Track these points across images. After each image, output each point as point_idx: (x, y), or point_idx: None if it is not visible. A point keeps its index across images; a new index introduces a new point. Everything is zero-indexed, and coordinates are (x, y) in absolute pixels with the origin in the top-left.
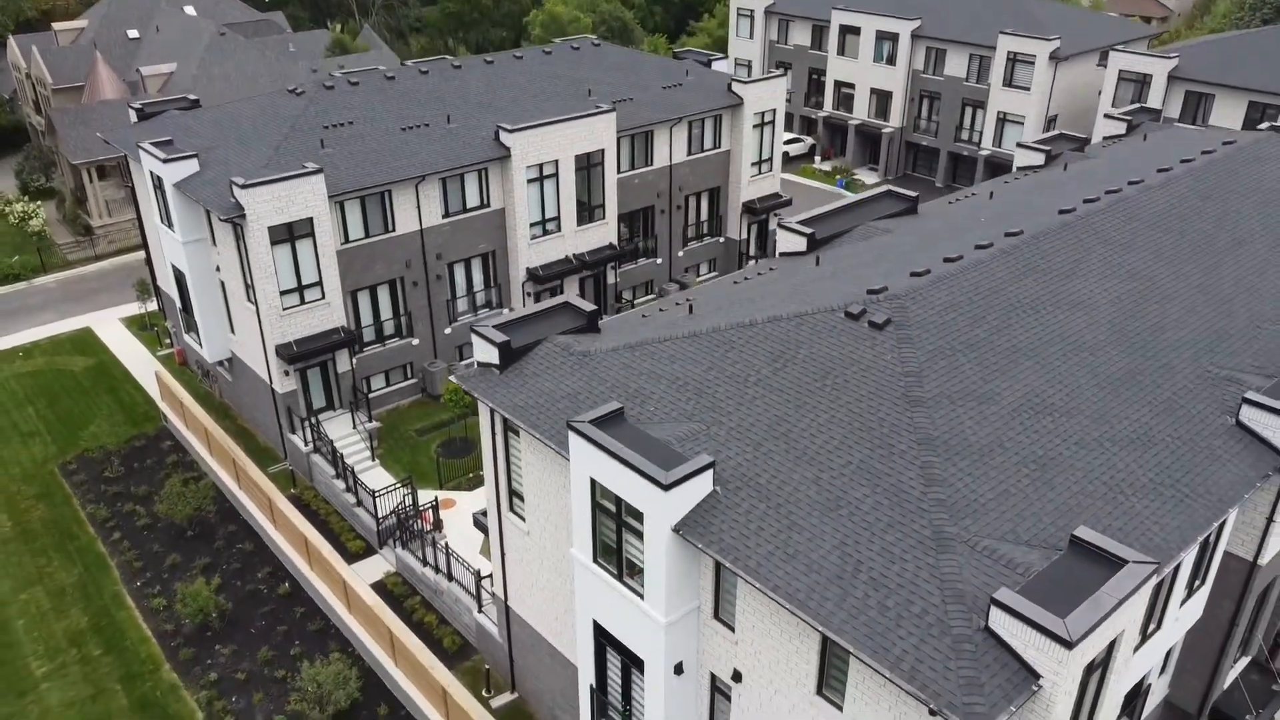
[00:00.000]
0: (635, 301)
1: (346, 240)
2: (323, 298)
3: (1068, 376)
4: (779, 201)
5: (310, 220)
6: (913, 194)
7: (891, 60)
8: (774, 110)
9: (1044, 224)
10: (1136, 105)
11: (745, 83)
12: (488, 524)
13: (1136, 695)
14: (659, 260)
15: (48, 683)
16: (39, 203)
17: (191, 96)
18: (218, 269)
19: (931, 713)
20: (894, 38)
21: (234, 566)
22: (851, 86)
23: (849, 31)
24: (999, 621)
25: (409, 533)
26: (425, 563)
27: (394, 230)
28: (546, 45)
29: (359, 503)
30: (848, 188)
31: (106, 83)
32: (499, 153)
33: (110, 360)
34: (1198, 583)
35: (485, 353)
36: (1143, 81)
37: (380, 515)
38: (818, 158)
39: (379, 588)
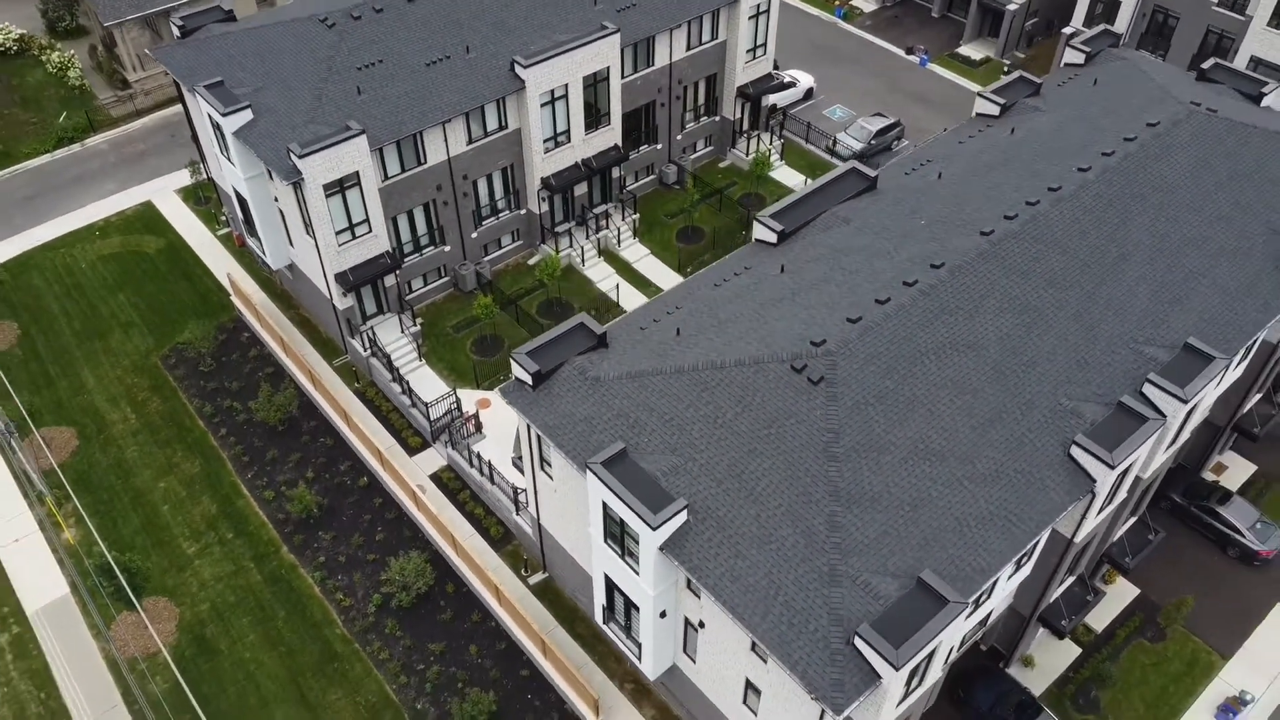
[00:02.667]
0: (631, 190)
1: (386, 178)
2: (370, 230)
3: (949, 421)
4: (771, 84)
5: (357, 173)
6: (872, 173)
7: None
8: (769, 9)
9: (964, 251)
10: (1102, 28)
11: None
12: (524, 467)
13: (982, 624)
14: (659, 146)
15: (199, 560)
16: (71, 51)
17: (225, 6)
18: (276, 199)
19: (812, 698)
20: None
21: (320, 460)
22: None
23: None
24: (859, 643)
25: (457, 434)
26: (471, 464)
27: (425, 163)
28: None
29: (414, 404)
30: (845, 17)
31: None
32: (515, 85)
33: (178, 241)
34: (1025, 561)
35: (522, 374)
36: None
37: (432, 419)
38: None
39: (436, 479)
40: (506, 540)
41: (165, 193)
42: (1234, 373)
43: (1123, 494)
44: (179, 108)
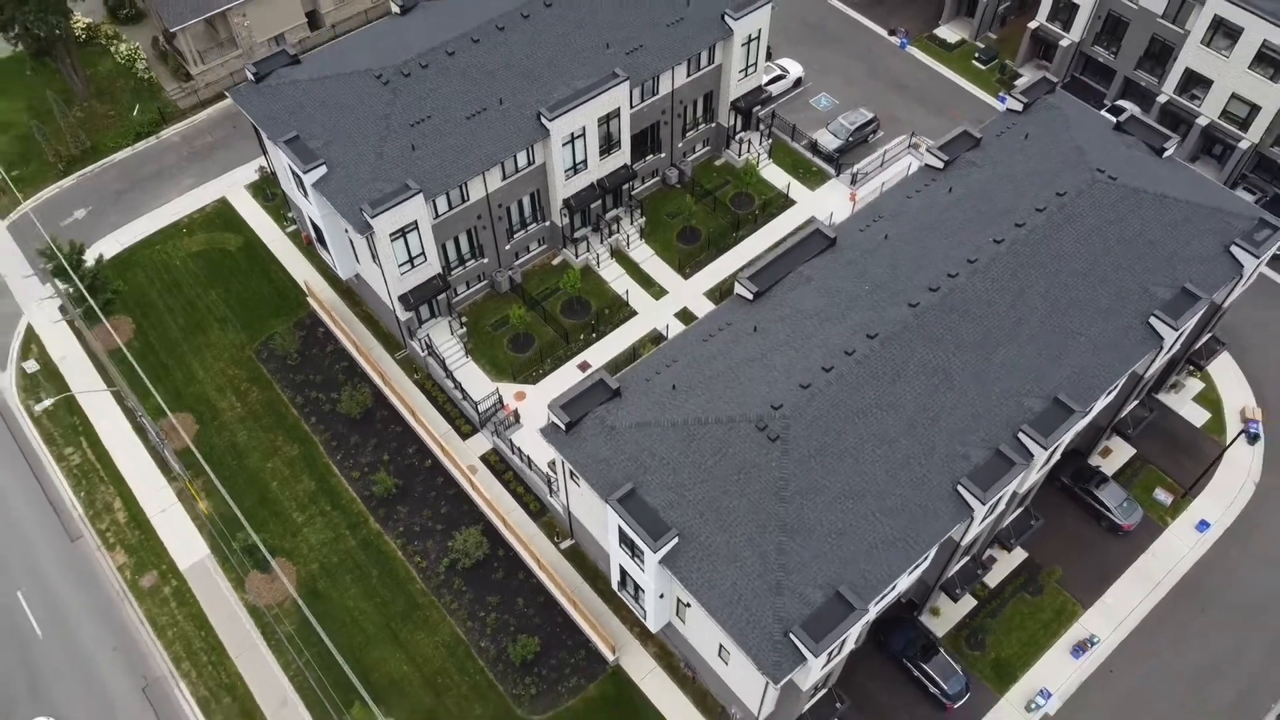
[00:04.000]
0: (636, 195)
1: (437, 216)
2: (425, 259)
3: (870, 467)
4: (760, 97)
5: (415, 221)
6: (831, 235)
7: None
8: (760, 30)
9: (894, 322)
10: (1041, 77)
11: (735, 18)
12: (558, 471)
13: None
14: (662, 155)
15: (306, 528)
16: (137, 44)
17: (291, 52)
18: (346, 231)
19: (760, 672)
20: None
21: (392, 444)
22: None
23: None
24: (793, 637)
25: (500, 424)
26: (513, 451)
27: (468, 200)
28: None
29: (464, 397)
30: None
31: None
32: (542, 133)
33: (254, 239)
34: (922, 564)
35: (557, 421)
36: None
37: (480, 411)
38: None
39: (484, 460)
40: (542, 513)
41: (236, 188)
42: (1105, 399)
43: (1001, 506)
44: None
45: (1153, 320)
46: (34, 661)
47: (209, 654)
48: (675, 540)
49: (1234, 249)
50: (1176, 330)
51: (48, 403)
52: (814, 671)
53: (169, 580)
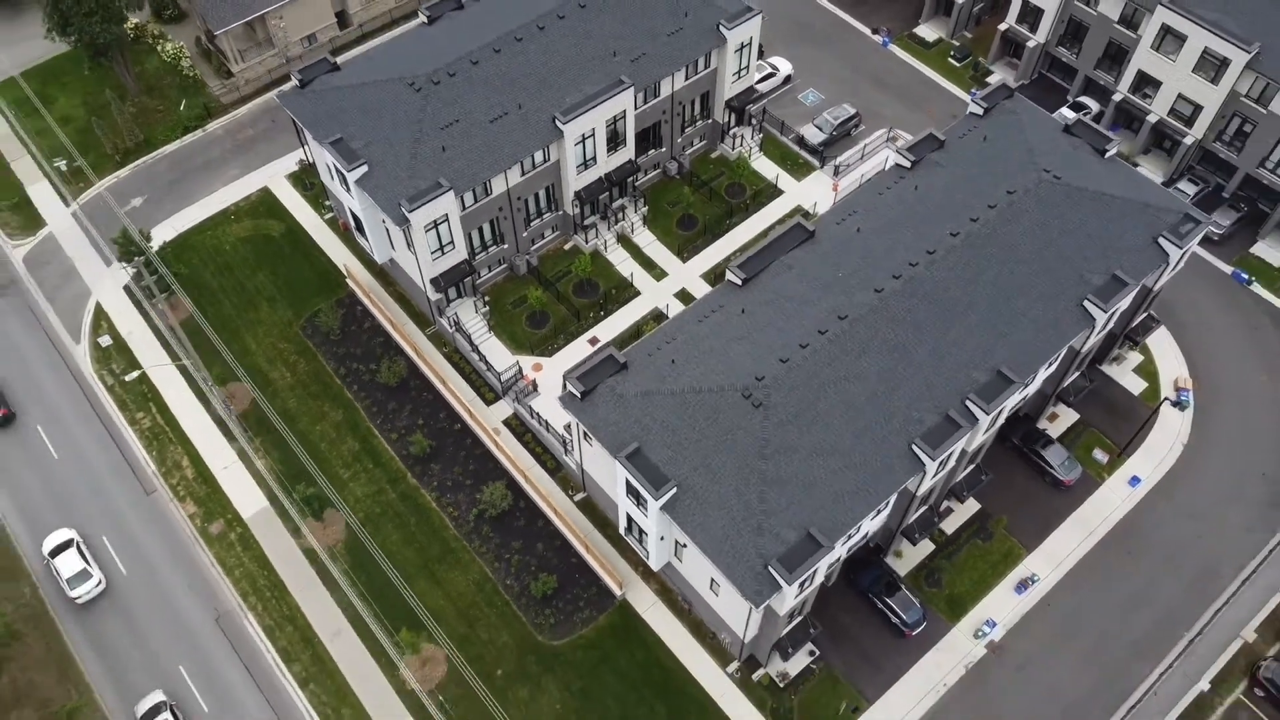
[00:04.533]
0: (640, 186)
1: (464, 209)
2: (454, 247)
3: (838, 430)
4: (752, 96)
5: (446, 214)
6: (811, 229)
7: None
8: (751, 37)
9: (862, 305)
10: (1000, 83)
11: (729, 28)
12: (574, 433)
13: (865, 538)
14: (663, 149)
15: (352, 482)
16: (181, 43)
17: (331, 59)
18: (384, 222)
19: (743, 598)
20: None
21: (425, 410)
22: None
23: None
24: (771, 570)
25: (520, 392)
26: (531, 416)
27: (492, 194)
28: None
29: (488, 368)
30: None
31: None
32: (556, 135)
33: (295, 225)
34: (883, 510)
35: (574, 390)
36: None
37: (502, 380)
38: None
39: (507, 423)
40: (558, 469)
41: (277, 178)
42: (1046, 371)
43: (951, 463)
44: (275, 94)
45: (1086, 303)
46: (122, 598)
47: (271, 590)
48: (674, 490)
49: (1161, 240)
50: (1106, 312)
51: (133, 374)
52: (788, 599)
53: (234, 527)
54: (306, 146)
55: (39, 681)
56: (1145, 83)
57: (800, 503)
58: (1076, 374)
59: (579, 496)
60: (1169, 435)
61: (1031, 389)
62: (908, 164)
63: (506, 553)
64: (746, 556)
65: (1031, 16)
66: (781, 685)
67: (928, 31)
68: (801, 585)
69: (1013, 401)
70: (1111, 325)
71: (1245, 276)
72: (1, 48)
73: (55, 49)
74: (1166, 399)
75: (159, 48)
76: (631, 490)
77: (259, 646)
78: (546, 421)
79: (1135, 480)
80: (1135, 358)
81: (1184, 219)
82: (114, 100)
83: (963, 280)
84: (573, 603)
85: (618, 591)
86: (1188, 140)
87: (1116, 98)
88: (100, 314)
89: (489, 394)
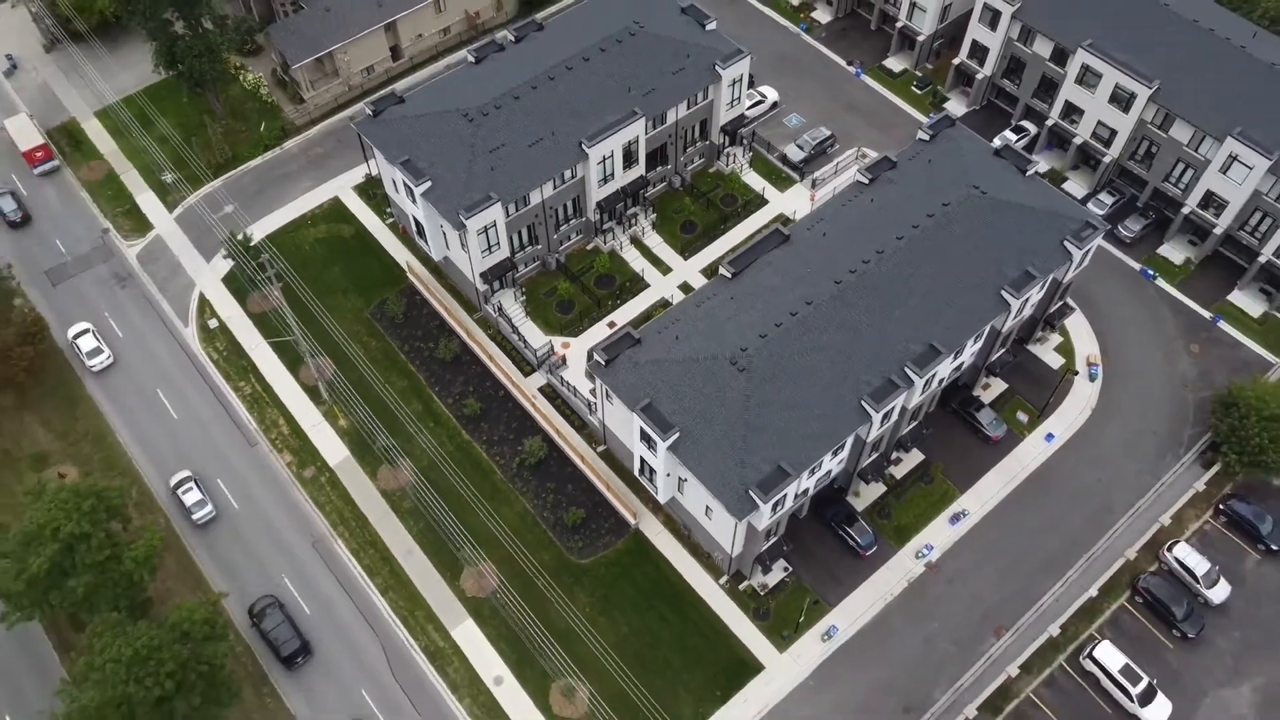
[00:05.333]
0: (650, 197)
1: (508, 216)
2: (499, 247)
3: (805, 389)
4: (743, 121)
5: (494, 221)
6: (787, 234)
7: None
8: (742, 74)
9: (825, 293)
10: (944, 114)
11: (723, 68)
12: (595, 388)
13: (827, 478)
14: (669, 165)
15: (416, 437)
16: (260, 74)
17: (397, 93)
18: (442, 226)
19: (730, 515)
20: None
21: (475, 380)
22: None
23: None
24: (751, 494)
25: (552, 365)
26: (562, 384)
27: (529, 204)
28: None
29: (525, 346)
30: (808, 31)
31: None
32: (582, 157)
33: (362, 229)
34: (840, 451)
35: (599, 359)
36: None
37: (537, 356)
38: None
39: (542, 390)
40: (583, 427)
41: (345, 190)
42: (974, 347)
43: (894, 417)
44: (341, 116)
45: (1003, 293)
46: (237, 528)
47: (355, 521)
48: (677, 435)
49: (1066, 243)
50: (1019, 300)
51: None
52: (765, 517)
53: (323, 473)
54: (370, 162)
55: (175, 589)
56: (1072, 110)
57: (774, 444)
58: (1002, 351)
59: (601, 448)
60: (1081, 401)
61: (961, 360)
62: (866, 181)
63: (543, 492)
64: (732, 484)
65: (980, 53)
66: (762, 593)
67: (895, 64)
68: (774, 507)
69: (944, 370)
70: (1031, 311)
71: (1151, 273)
72: (108, 76)
73: (152, 77)
74: (1074, 371)
75: (241, 78)
76: (645, 436)
77: (347, 564)
78: (574, 388)
79: (1050, 437)
80: (1056, 339)
81: (1085, 225)
82: (209, 122)
83: (904, 274)
84: (596, 531)
85: (632, 521)
86: (1107, 159)
87: (1049, 122)
88: (204, 302)
89: (526, 367)
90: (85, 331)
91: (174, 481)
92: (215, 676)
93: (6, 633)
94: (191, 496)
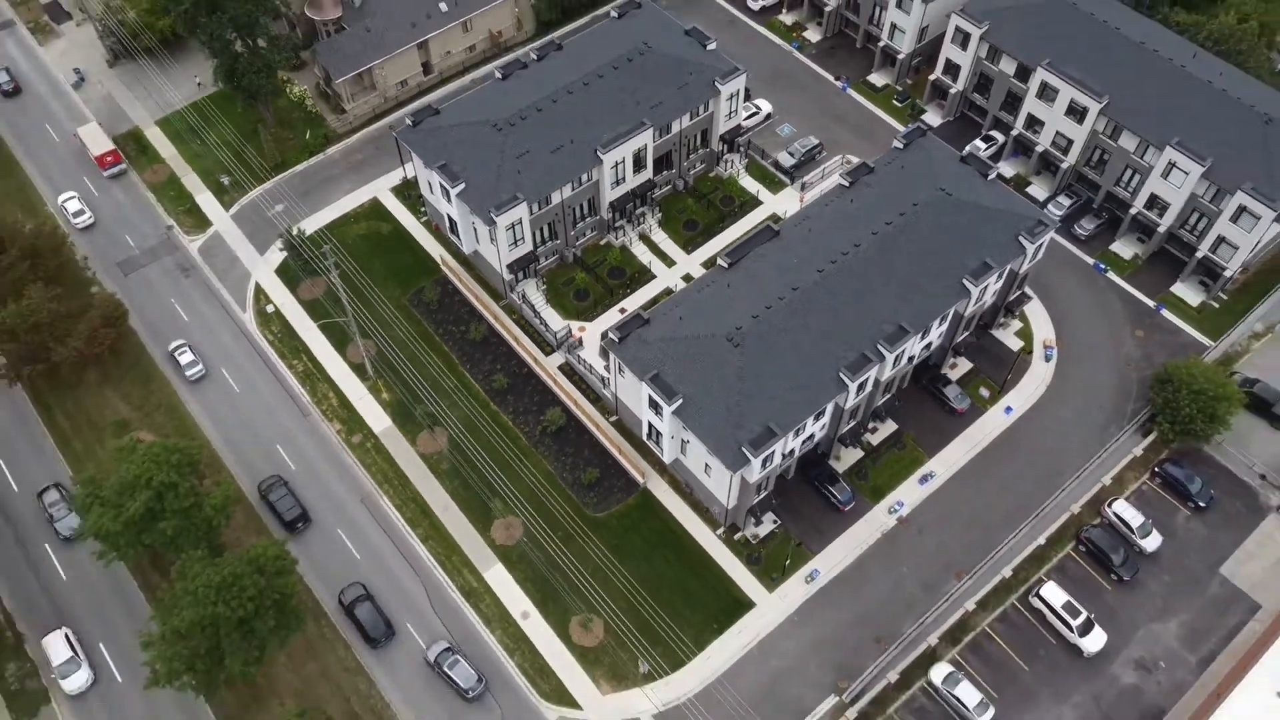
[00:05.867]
0: (657, 198)
1: (532, 214)
2: (524, 241)
3: (792, 363)
4: (740, 131)
5: (520, 218)
6: (777, 230)
7: None
8: (738, 89)
9: (809, 280)
10: (916, 126)
11: (722, 84)
12: (609, 363)
13: (810, 441)
14: (673, 170)
15: (451, 408)
16: (304, 87)
17: (434, 106)
18: (473, 223)
19: (726, 468)
20: None
21: (502, 359)
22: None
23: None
24: (744, 450)
25: (570, 345)
26: (579, 362)
27: (551, 204)
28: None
29: (546, 329)
30: (800, 49)
31: (328, 4)
32: (596, 162)
33: (399, 227)
34: (820, 417)
35: (613, 337)
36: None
37: (557, 338)
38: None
39: (561, 368)
40: (597, 400)
41: (384, 191)
42: (939, 328)
43: (869, 388)
44: (379, 125)
45: (964, 281)
46: (297, 485)
47: (398, 481)
48: (680, 400)
49: (1020, 238)
50: (977, 287)
51: (318, 323)
52: (755, 470)
53: (369, 439)
54: (407, 166)
55: (242, 538)
56: (1034, 122)
57: (764, 408)
58: (966, 334)
59: (613, 418)
60: (1037, 379)
61: (930, 340)
62: (847, 184)
63: (562, 455)
64: (728, 442)
65: (953, 70)
66: (753, 542)
67: (877, 79)
68: (764, 462)
69: (913, 348)
70: (992, 299)
71: (1103, 266)
72: (168, 88)
73: (208, 89)
74: (1029, 352)
75: (288, 90)
76: (653, 403)
77: (391, 517)
78: (589, 365)
79: (1009, 409)
80: (1016, 324)
81: (1037, 223)
82: (261, 130)
83: (878, 265)
84: (609, 488)
85: (641, 480)
86: (1065, 165)
87: (1014, 132)
88: (259, 290)
89: (547, 347)
90: (182, 346)
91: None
92: (285, 605)
93: (103, 571)
94: None
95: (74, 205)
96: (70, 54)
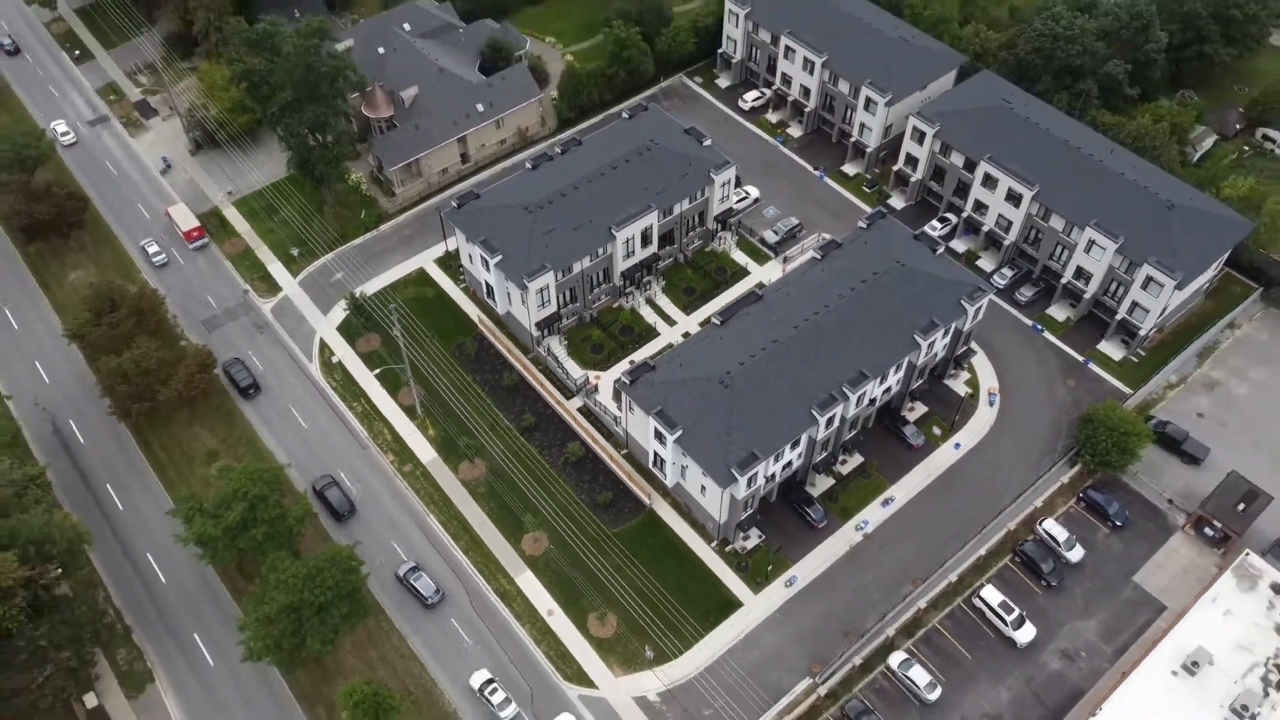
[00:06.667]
0: (661, 269)
1: (557, 281)
2: (550, 304)
3: (772, 400)
4: (731, 213)
5: (547, 285)
6: (760, 294)
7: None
8: (730, 179)
9: (787, 335)
10: (879, 210)
11: (716, 174)
12: (621, 402)
13: (788, 468)
14: (674, 245)
15: (487, 443)
16: (360, 174)
17: (475, 191)
18: (508, 288)
19: (719, 486)
20: None
21: (530, 403)
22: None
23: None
24: (733, 471)
25: (588, 391)
26: (594, 405)
27: (572, 272)
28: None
29: (567, 377)
30: (784, 144)
31: (382, 102)
32: (611, 238)
33: (441, 291)
34: (796, 445)
35: (624, 381)
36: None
37: (575, 384)
38: (770, 112)
39: (579, 410)
40: (610, 435)
41: (428, 262)
42: (896, 375)
43: (836, 423)
44: (424, 206)
45: (915, 336)
46: (359, 509)
47: (442, 503)
48: (680, 431)
49: (962, 301)
50: (926, 341)
51: (377, 370)
52: (742, 488)
53: (418, 468)
54: (449, 241)
55: (314, 547)
56: (980, 206)
57: (748, 438)
58: (921, 382)
59: (624, 451)
60: (983, 421)
61: (889, 385)
62: (819, 257)
63: (581, 481)
64: (719, 465)
65: (912, 162)
66: (741, 553)
67: (850, 169)
68: (749, 481)
69: (873, 390)
70: (942, 352)
71: (1040, 327)
72: (243, 173)
73: (277, 174)
74: (975, 398)
75: (347, 176)
76: (658, 434)
77: (438, 532)
78: (604, 407)
79: (958, 445)
80: (965, 374)
81: (975, 289)
82: (326, 210)
83: (844, 323)
84: (621, 508)
85: (647, 502)
86: (1007, 242)
87: (965, 214)
88: (323, 344)
89: (568, 392)
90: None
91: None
92: (355, 597)
93: (202, 570)
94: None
95: (157, 260)
96: (158, 144)
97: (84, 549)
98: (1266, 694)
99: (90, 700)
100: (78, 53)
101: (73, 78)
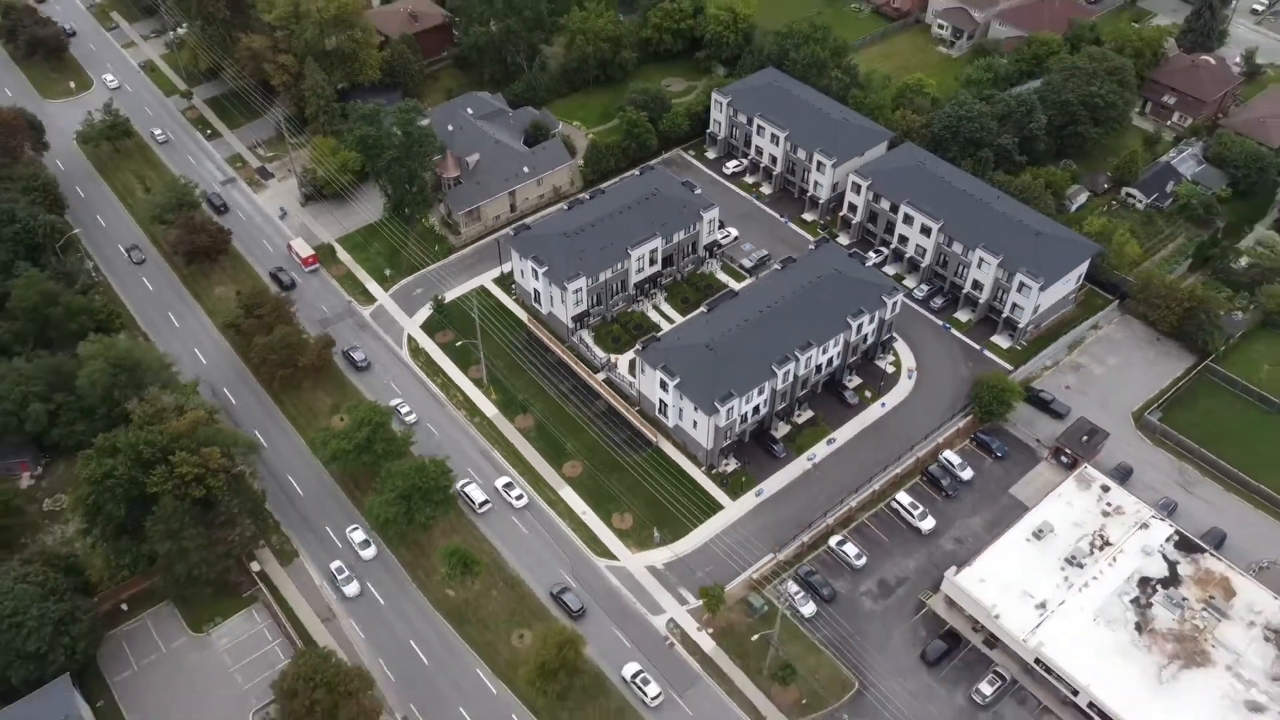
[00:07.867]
0: (664, 284)
1: (587, 287)
2: (582, 304)
3: (744, 361)
4: (717, 245)
5: (581, 288)
6: (736, 292)
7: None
8: (715, 218)
9: (753, 318)
10: (825, 235)
11: (705, 213)
12: (634, 370)
13: (756, 412)
14: (673, 267)
15: (536, 402)
16: (434, 219)
17: (528, 224)
18: (551, 292)
19: (707, 418)
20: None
21: (566, 375)
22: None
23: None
24: (716, 405)
25: (610, 366)
26: (616, 376)
27: (599, 280)
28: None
29: (595, 357)
30: (758, 199)
31: (452, 165)
32: (627, 256)
33: (496, 302)
34: (765, 395)
35: (640, 349)
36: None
37: (601, 362)
38: (749, 177)
39: (604, 381)
40: (627, 397)
41: (487, 281)
42: (835, 349)
43: (789, 379)
44: (482, 242)
45: (847, 319)
46: (439, 444)
47: (503, 443)
48: (679, 379)
49: (882, 296)
50: (855, 323)
51: (456, 343)
52: (722, 419)
53: (484, 420)
54: (504, 265)
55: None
56: (904, 239)
57: (726, 383)
58: (856, 358)
59: (636, 407)
60: (903, 389)
61: (830, 356)
62: (780, 268)
63: (607, 429)
64: (706, 402)
65: (853, 208)
66: (724, 473)
67: (808, 216)
68: (727, 414)
69: (818, 357)
70: (871, 337)
71: (948, 326)
72: (344, 218)
73: (369, 219)
74: (894, 372)
75: (425, 218)
76: (662, 383)
77: (501, 462)
78: (622, 376)
79: (884, 404)
80: (891, 357)
81: (891, 289)
82: (411, 243)
83: (796, 309)
84: (632, 445)
85: (654, 440)
86: (924, 264)
87: (893, 246)
88: (410, 338)
89: (594, 369)
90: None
91: (408, 419)
92: (445, 494)
93: (328, 486)
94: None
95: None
96: (275, 198)
97: (256, 455)
98: (1091, 552)
99: (255, 566)
100: (209, 132)
101: (206, 151)
